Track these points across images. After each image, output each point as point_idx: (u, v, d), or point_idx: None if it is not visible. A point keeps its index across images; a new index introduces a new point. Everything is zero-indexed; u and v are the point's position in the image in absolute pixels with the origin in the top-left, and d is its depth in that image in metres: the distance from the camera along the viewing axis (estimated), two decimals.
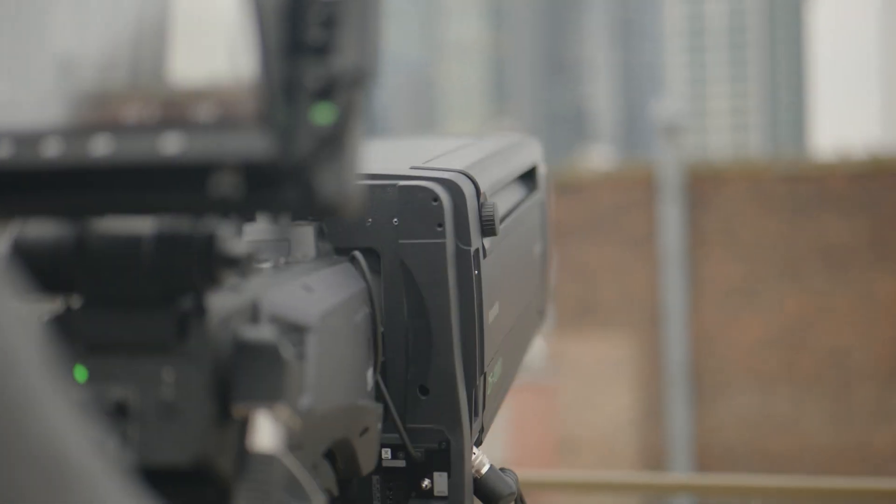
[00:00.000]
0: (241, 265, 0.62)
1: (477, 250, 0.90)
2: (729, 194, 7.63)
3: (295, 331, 0.71)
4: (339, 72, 0.53)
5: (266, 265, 0.80)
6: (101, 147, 0.55)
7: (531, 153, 1.23)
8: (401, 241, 0.88)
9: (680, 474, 6.67)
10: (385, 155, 1.09)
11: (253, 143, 0.55)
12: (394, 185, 0.89)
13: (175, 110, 0.56)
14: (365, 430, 0.82)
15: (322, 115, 0.55)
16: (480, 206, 0.92)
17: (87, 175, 0.56)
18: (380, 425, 0.84)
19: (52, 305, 0.64)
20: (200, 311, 0.62)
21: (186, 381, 0.61)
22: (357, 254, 0.88)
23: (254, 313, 0.66)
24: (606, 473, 5.70)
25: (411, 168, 0.93)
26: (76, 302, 0.63)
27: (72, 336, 0.63)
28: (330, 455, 0.78)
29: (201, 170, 0.55)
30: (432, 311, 0.89)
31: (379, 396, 0.86)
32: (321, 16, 0.56)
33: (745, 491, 2.81)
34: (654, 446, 7.55)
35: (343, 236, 0.89)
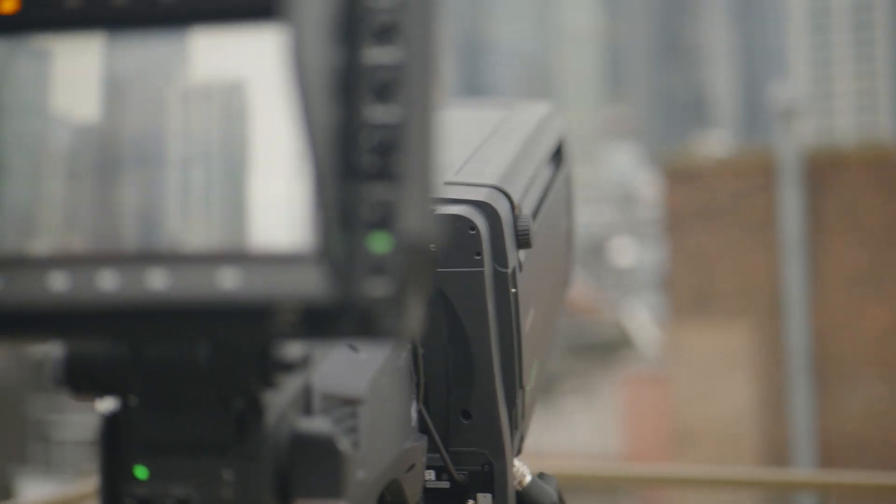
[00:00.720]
0: (296, 368, 0.62)
1: (514, 269, 0.89)
2: (851, 179, 7.38)
3: (347, 404, 0.71)
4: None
5: None
6: (157, 281, 0.54)
7: (556, 126, 1.18)
8: (438, 270, 0.87)
9: (803, 471, 6.48)
10: None
11: (310, 279, 0.54)
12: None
13: (231, 240, 0.56)
14: (412, 467, 0.83)
15: (379, 244, 0.55)
16: (515, 220, 0.91)
17: (144, 309, 0.56)
18: (425, 458, 0.85)
19: (107, 403, 0.65)
20: (257, 410, 0.62)
21: (246, 480, 0.62)
22: None
23: (307, 396, 0.67)
24: (725, 469, 5.57)
25: (444, 183, 0.90)
26: (132, 401, 0.64)
27: (130, 434, 0.64)
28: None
29: (259, 308, 0.55)
30: (472, 337, 0.88)
31: (422, 425, 0.87)
32: (373, 140, 0.56)
33: (875, 490, 2.67)
34: (776, 439, 7.36)
35: None
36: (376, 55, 0.56)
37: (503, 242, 0.88)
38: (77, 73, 0.42)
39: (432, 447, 0.88)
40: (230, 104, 0.44)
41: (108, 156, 0.43)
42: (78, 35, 0.49)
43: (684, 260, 7.46)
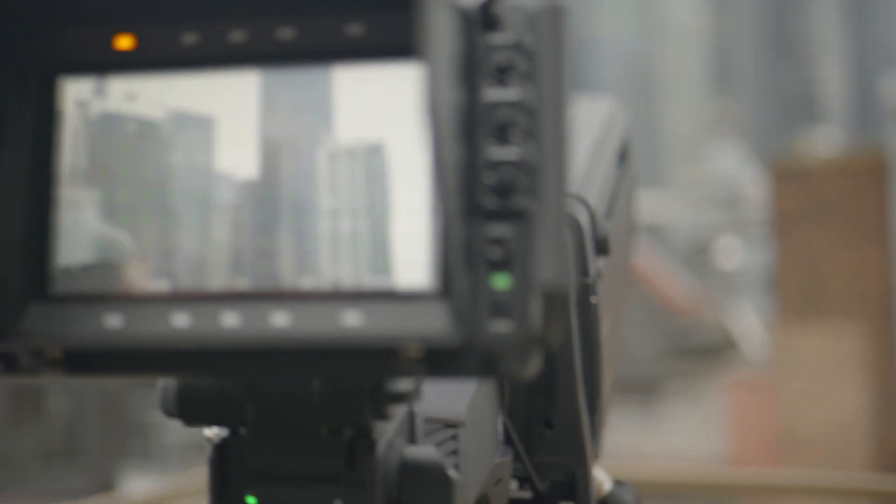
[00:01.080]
0: (410, 400, 0.62)
1: (595, 278, 0.89)
2: None
3: (448, 427, 0.71)
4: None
5: None
6: (280, 320, 0.55)
7: (621, 124, 1.14)
8: None
9: None
10: None
11: (434, 318, 0.55)
12: None
13: (356, 279, 0.56)
14: (499, 481, 0.82)
15: (502, 283, 0.55)
16: (594, 227, 0.90)
17: (266, 347, 0.56)
18: (511, 471, 0.84)
19: (217, 431, 0.66)
20: (367, 440, 0.63)
21: None
22: None
23: (411, 421, 0.68)
24: (834, 476, 5.46)
25: None
26: (243, 430, 0.65)
27: (241, 463, 0.65)
28: None
29: (382, 347, 0.55)
30: (555, 350, 0.86)
31: (507, 437, 0.86)
32: (496, 179, 0.56)
33: None
34: (888, 446, 7.17)
35: None
36: (499, 93, 0.56)
37: (585, 252, 0.87)
38: (237, 137, 0.48)
39: (516, 458, 0.87)
40: (367, 162, 0.49)
41: (265, 208, 0.49)
42: (195, 73, 0.55)
43: (792, 261, 7.32)
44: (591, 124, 1.10)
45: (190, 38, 0.55)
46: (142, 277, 0.52)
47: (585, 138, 1.05)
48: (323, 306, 0.55)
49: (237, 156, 0.48)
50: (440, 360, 0.56)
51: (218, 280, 0.53)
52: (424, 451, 0.65)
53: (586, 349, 0.89)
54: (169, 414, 0.65)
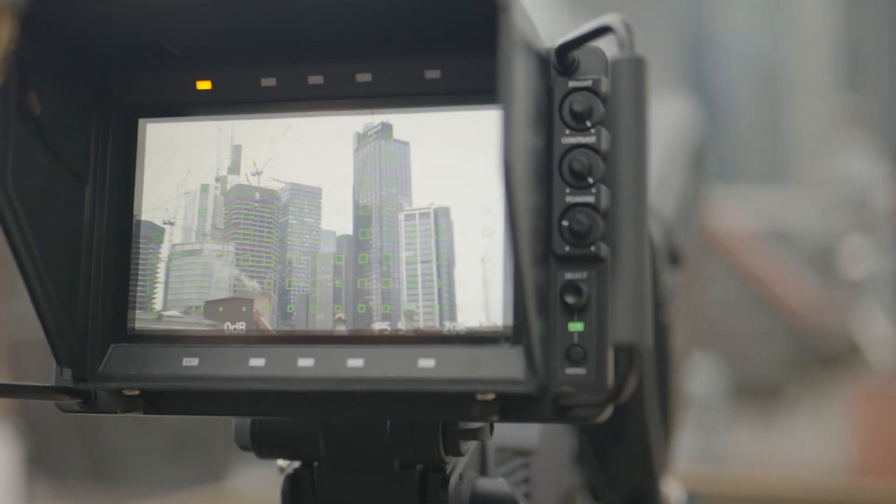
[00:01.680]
0: (483, 438, 0.63)
1: (668, 292, 0.87)
2: None
3: (519, 455, 0.72)
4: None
5: None
6: (355, 362, 0.57)
7: (695, 127, 1.10)
8: None
9: None
10: None
11: (506, 364, 0.55)
12: None
13: (435, 324, 0.57)
14: (573, 499, 0.83)
15: (576, 328, 0.55)
16: (668, 239, 0.89)
17: (342, 389, 0.58)
18: (584, 488, 0.86)
19: (290, 462, 0.67)
20: (440, 474, 0.63)
21: None
22: None
23: (482, 450, 0.69)
24: None
25: None
26: (315, 461, 0.66)
27: (313, 494, 0.65)
28: None
29: (455, 393, 0.56)
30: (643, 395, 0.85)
31: (581, 453, 0.87)
32: (570, 224, 0.56)
33: None
34: None
35: None
36: (576, 138, 0.56)
37: (657, 268, 0.85)
38: (338, 202, 0.60)
39: (589, 473, 0.87)
40: (436, 220, 0.58)
41: (359, 260, 0.59)
42: (270, 116, 0.59)
43: None
44: (665, 130, 1.05)
45: (268, 82, 0.60)
46: (264, 311, 0.61)
47: (659, 144, 0.99)
48: (399, 349, 0.57)
49: (338, 217, 0.60)
50: (513, 405, 0.56)
51: (322, 316, 0.60)
52: (495, 484, 0.65)
53: (659, 364, 0.87)
54: (243, 447, 0.66)
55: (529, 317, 0.52)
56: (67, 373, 0.63)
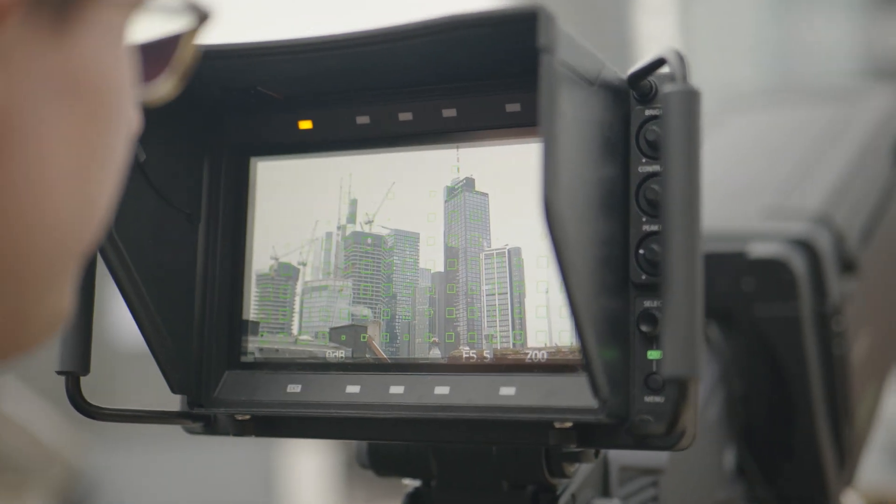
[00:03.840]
0: (586, 461, 0.64)
1: (838, 303, 0.85)
2: None
3: (647, 475, 0.71)
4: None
5: None
6: (442, 389, 0.61)
7: (891, 114, 1.02)
8: (752, 311, 0.85)
9: None
10: (730, 168, 0.98)
11: (582, 391, 0.55)
12: (741, 255, 0.84)
13: (514, 353, 0.60)
14: None
15: (654, 356, 0.56)
16: (840, 247, 0.86)
17: (428, 416, 0.61)
18: (743, 502, 0.85)
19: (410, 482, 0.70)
20: (550, 494, 0.65)
21: None
22: (709, 330, 0.84)
23: (604, 469, 0.68)
24: None
25: (763, 217, 0.86)
26: (433, 480, 0.69)
27: None
28: None
29: (534, 421, 0.57)
30: (791, 379, 0.85)
31: (742, 468, 0.85)
32: (642, 253, 0.56)
33: None
34: None
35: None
36: (643, 168, 0.57)
37: (824, 280, 0.83)
38: (432, 245, 0.70)
39: (752, 487, 0.85)
40: (510, 259, 0.67)
41: (449, 290, 0.69)
42: (367, 152, 0.65)
43: None
44: (862, 124, 0.99)
45: (363, 119, 0.66)
46: (375, 337, 0.70)
47: (851, 141, 0.97)
48: (483, 378, 0.60)
49: (432, 257, 0.70)
50: (592, 433, 0.57)
51: (420, 341, 0.67)
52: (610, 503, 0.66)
53: (827, 375, 0.85)
54: (363, 466, 0.70)
55: (588, 346, 0.53)
56: (183, 399, 0.69)
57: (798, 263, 0.83)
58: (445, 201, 0.69)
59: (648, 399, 0.56)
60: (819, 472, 0.86)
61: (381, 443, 0.69)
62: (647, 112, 0.58)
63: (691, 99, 0.54)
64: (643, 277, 0.57)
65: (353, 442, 0.70)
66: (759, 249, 0.83)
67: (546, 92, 0.52)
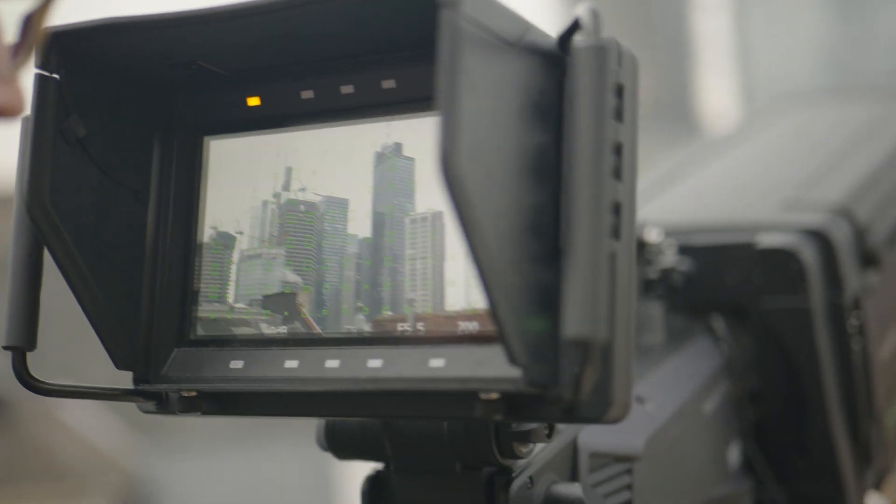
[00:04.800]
0: (536, 440, 0.63)
1: (857, 297, 0.83)
2: None
3: (620, 462, 0.70)
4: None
5: None
6: (373, 363, 0.60)
7: None
8: (761, 303, 0.83)
9: None
10: (758, 164, 0.98)
11: (505, 362, 0.53)
12: (750, 246, 0.83)
13: (441, 328, 0.59)
14: None
15: (541, 325, 0.54)
16: (860, 241, 0.85)
17: (362, 389, 0.60)
18: (748, 501, 0.82)
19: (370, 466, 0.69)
20: (505, 477, 0.64)
21: None
22: (715, 323, 0.83)
23: (573, 455, 0.68)
24: None
25: (782, 209, 0.86)
26: (391, 465, 0.68)
27: (391, 496, 0.68)
28: None
29: (463, 392, 0.56)
30: (803, 372, 0.83)
31: (751, 463, 0.83)
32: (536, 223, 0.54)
33: None
34: None
35: (701, 293, 0.84)
36: (537, 137, 0.54)
37: (839, 272, 0.82)
38: (360, 212, 0.72)
39: (764, 487, 0.83)
40: (433, 224, 0.66)
41: (375, 256, 0.68)
42: (312, 127, 0.65)
43: None
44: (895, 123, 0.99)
45: (307, 94, 0.66)
46: (306, 304, 0.70)
47: (883, 140, 0.97)
48: (415, 350, 0.59)
49: (360, 223, 0.70)
50: (521, 405, 0.56)
51: (346, 306, 0.67)
52: (570, 488, 0.64)
53: (843, 371, 0.83)
54: (323, 448, 0.70)
55: (500, 314, 0.52)
56: (130, 376, 0.68)
57: (808, 253, 0.82)
58: (374, 168, 0.70)
59: (560, 370, 0.55)
60: (835, 471, 0.84)
61: (337, 424, 0.68)
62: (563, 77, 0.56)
63: (600, 55, 0.52)
64: (545, 247, 0.56)
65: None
66: (767, 240, 0.82)
67: (446, 49, 0.50)
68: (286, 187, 0.74)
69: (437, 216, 0.67)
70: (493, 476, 0.64)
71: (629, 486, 0.70)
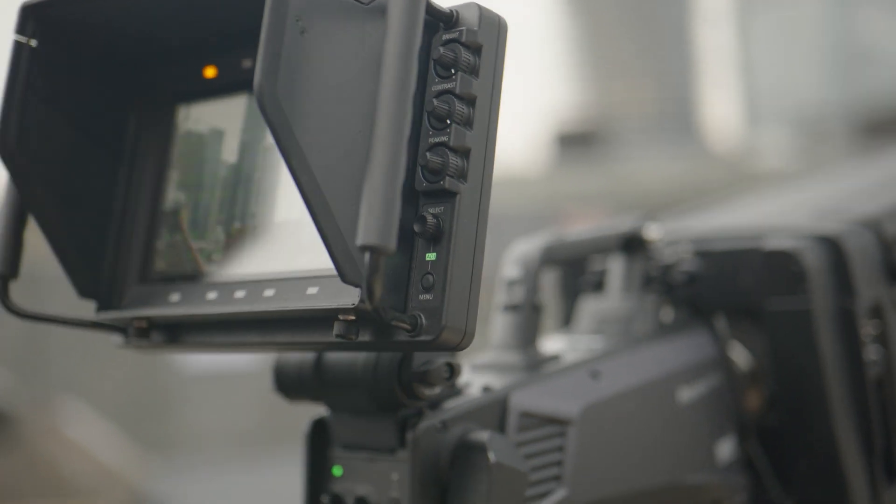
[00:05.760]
0: (433, 381, 0.65)
1: (875, 308, 0.83)
2: None
3: (552, 424, 0.70)
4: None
5: (577, 346, 0.80)
6: (268, 293, 0.65)
7: None
8: (765, 304, 0.84)
9: None
10: (840, 184, 1.00)
11: (354, 292, 0.58)
12: (757, 250, 0.85)
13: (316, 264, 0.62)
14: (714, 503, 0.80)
15: (430, 256, 0.58)
16: (888, 254, 0.84)
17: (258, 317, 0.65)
18: (740, 496, 0.82)
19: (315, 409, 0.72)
20: (416, 419, 0.66)
21: (408, 482, 0.65)
22: (716, 319, 0.85)
23: (501, 412, 0.69)
24: None
25: (811, 217, 0.87)
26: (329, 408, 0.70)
27: (331, 437, 0.71)
28: None
29: (330, 312, 0.60)
30: (804, 376, 0.82)
31: (743, 460, 0.83)
32: (428, 165, 0.60)
33: None
34: None
35: (708, 294, 0.86)
36: (436, 87, 0.60)
37: (851, 278, 0.82)
38: (233, 144, 0.74)
39: (761, 485, 0.83)
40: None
41: (235, 178, 0.72)
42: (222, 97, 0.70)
43: None
44: None
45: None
46: (187, 224, 0.74)
47: None
48: (297, 284, 0.63)
49: (232, 150, 0.75)
50: (368, 325, 0.60)
51: (212, 221, 0.71)
52: (479, 434, 0.66)
53: (854, 378, 0.82)
54: (274, 388, 0.73)
55: (329, 242, 0.57)
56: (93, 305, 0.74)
57: (812, 256, 0.82)
58: (247, 105, 0.75)
59: (422, 297, 0.59)
60: (840, 477, 0.82)
61: (281, 366, 0.72)
62: (445, 36, 0.61)
63: (411, 4, 0.56)
64: (424, 185, 0.60)
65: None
66: (773, 242, 0.84)
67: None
68: (186, 118, 0.79)
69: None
70: (406, 417, 0.67)
71: (560, 448, 0.70)
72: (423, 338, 0.58)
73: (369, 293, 0.54)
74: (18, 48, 0.70)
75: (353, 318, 0.58)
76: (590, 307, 0.82)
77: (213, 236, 0.71)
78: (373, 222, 0.54)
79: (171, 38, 0.73)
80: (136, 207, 0.75)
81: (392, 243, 0.54)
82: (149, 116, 0.75)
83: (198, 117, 0.77)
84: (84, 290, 0.74)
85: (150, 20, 0.71)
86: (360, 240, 0.54)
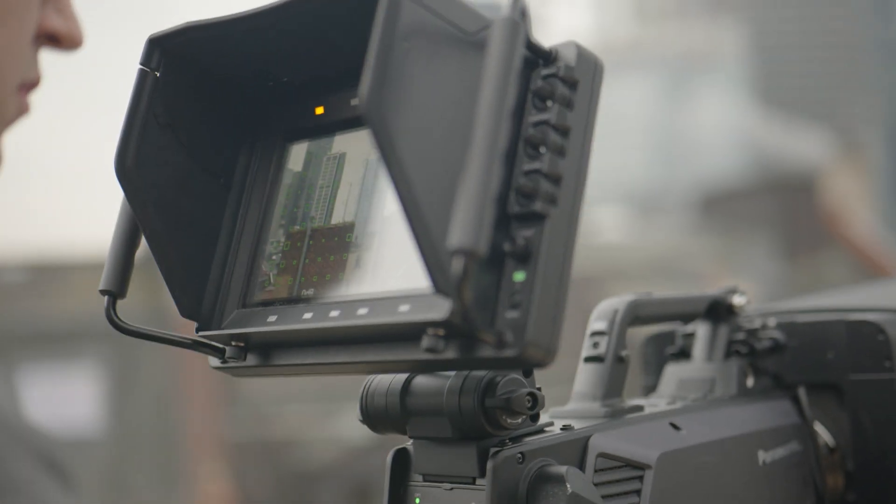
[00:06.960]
0: (516, 409, 0.66)
1: None
2: None
3: (630, 467, 0.71)
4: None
5: (659, 403, 0.80)
6: (361, 311, 0.66)
7: None
8: (850, 377, 0.84)
9: None
10: None
11: (445, 307, 0.59)
12: (841, 322, 0.85)
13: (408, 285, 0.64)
14: None
15: (518, 276, 0.60)
16: None
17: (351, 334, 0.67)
18: None
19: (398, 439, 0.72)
20: (497, 448, 0.67)
21: None
22: (800, 391, 0.84)
23: (582, 451, 0.69)
24: None
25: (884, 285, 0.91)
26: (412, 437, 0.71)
27: (411, 466, 0.72)
28: None
29: (418, 328, 0.61)
30: (887, 452, 0.82)
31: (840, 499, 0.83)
32: (520, 189, 0.61)
33: None
34: None
35: (791, 367, 0.86)
36: (533, 117, 0.62)
37: (890, 352, 0.82)
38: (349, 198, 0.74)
39: None
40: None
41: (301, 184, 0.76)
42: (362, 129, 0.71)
43: None
44: None
45: (319, 110, 0.74)
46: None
47: None
48: (388, 303, 0.65)
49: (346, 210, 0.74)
50: (456, 340, 0.61)
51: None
52: (558, 469, 0.67)
53: None
54: (362, 422, 0.73)
55: (422, 248, 0.59)
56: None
57: (894, 330, 0.83)
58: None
59: (509, 315, 0.61)
60: None
61: (367, 399, 0.73)
62: (544, 72, 0.64)
63: (514, 29, 0.59)
64: (517, 208, 0.62)
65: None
66: (857, 314, 0.84)
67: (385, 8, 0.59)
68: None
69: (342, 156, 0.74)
70: (488, 447, 0.67)
71: (637, 492, 0.71)
72: (507, 353, 0.60)
73: (459, 297, 0.57)
74: (143, 76, 0.74)
75: (442, 332, 0.60)
76: (673, 373, 0.85)
77: (312, 268, 0.75)
78: (464, 226, 0.56)
79: (285, 75, 0.78)
80: (241, 237, 0.79)
81: (482, 247, 0.56)
82: (260, 151, 0.80)
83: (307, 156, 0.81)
84: (186, 311, 0.77)
85: (266, 57, 0.76)
86: (451, 242, 0.57)
